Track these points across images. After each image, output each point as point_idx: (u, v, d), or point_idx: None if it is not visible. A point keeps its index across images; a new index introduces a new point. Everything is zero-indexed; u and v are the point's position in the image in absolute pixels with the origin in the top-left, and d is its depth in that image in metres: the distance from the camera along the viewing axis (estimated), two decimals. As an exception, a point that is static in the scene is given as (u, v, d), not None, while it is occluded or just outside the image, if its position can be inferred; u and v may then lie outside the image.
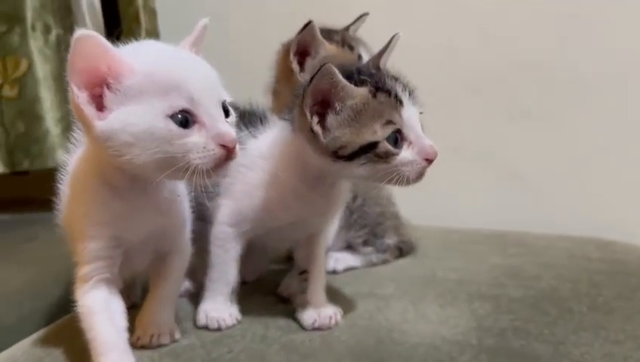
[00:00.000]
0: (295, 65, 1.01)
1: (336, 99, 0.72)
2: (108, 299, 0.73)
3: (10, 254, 1.21)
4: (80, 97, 0.63)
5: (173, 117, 0.63)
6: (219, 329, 0.82)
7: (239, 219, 0.83)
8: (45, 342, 0.83)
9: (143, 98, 0.63)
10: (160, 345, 0.78)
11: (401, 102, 0.73)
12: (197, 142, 0.64)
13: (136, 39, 1.57)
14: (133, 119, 0.63)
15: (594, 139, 1.45)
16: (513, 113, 1.51)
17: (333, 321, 0.82)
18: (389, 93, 0.73)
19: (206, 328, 0.83)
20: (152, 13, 1.59)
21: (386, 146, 0.71)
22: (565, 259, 1.09)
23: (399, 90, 0.74)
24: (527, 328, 0.80)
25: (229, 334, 0.81)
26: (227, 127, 0.66)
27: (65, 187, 0.79)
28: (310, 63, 1.00)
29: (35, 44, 1.49)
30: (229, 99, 0.69)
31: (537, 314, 0.85)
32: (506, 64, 1.49)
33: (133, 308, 0.82)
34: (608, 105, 1.44)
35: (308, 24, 0.98)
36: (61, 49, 1.52)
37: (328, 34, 1.04)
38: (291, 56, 1.01)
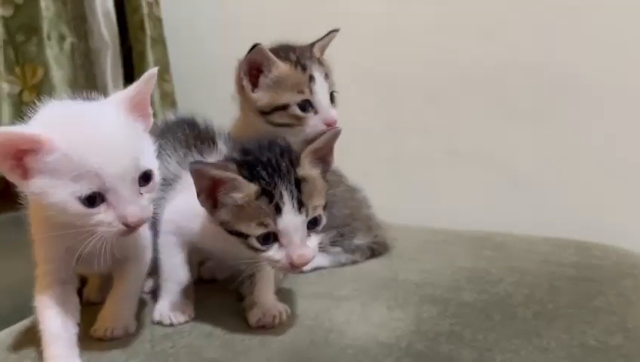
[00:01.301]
0: (246, 83, 1.04)
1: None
2: (61, 297, 0.80)
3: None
4: (4, 166, 0.70)
5: (82, 198, 0.69)
6: (171, 325, 0.88)
7: (180, 231, 0.88)
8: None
9: (59, 175, 0.69)
10: (113, 338, 0.84)
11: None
12: (103, 220, 0.71)
13: (143, 47, 1.65)
14: (49, 190, 0.69)
15: (593, 140, 1.42)
16: (511, 113, 1.49)
17: (277, 320, 0.86)
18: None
19: (161, 324, 0.89)
20: (158, 21, 1.67)
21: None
22: (534, 264, 1.08)
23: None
24: (462, 333, 0.82)
25: (180, 330, 0.87)
26: (133, 209, 0.71)
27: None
28: (263, 81, 1.04)
29: (51, 52, 1.59)
30: (150, 166, 0.74)
31: (480, 320, 0.86)
32: (504, 64, 1.47)
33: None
34: (608, 105, 1.39)
35: (254, 47, 1.01)
36: (75, 56, 1.62)
37: (286, 52, 1.05)
38: (242, 74, 1.04)
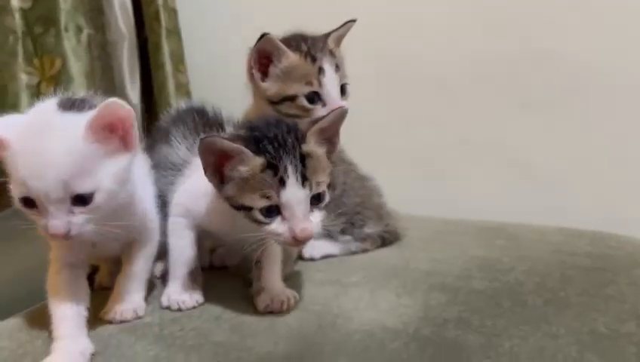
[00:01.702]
0: (255, 72, 1.04)
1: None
2: (70, 280, 0.83)
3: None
4: None
5: (20, 198, 0.74)
6: (179, 309, 0.89)
7: (189, 214, 0.90)
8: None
9: (10, 172, 0.75)
10: (123, 321, 0.86)
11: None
12: (37, 222, 0.75)
13: (158, 38, 1.67)
14: (11, 184, 0.75)
15: (607, 128, 1.39)
16: (523, 102, 1.47)
17: (285, 306, 0.86)
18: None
19: (169, 309, 0.90)
20: (173, 12, 1.68)
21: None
22: (547, 253, 1.07)
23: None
24: (470, 320, 0.81)
25: (189, 314, 0.88)
26: (53, 224, 0.73)
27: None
28: (273, 71, 1.03)
29: (68, 44, 1.61)
30: (89, 190, 0.74)
31: (489, 307, 0.85)
32: (516, 51, 1.46)
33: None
34: (623, 93, 1.37)
35: (263, 36, 1.00)
36: (92, 48, 1.64)
37: (298, 42, 1.04)
38: (251, 63, 1.04)
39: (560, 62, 1.42)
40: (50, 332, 0.79)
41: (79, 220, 0.75)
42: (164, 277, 0.98)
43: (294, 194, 0.76)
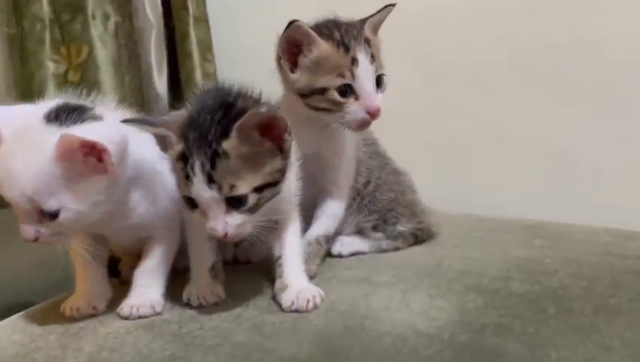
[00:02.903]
0: (284, 63, 0.95)
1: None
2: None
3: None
4: None
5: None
6: (200, 305, 0.85)
7: None
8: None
9: None
10: (141, 317, 0.82)
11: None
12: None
13: (186, 26, 1.63)
14: None
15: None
16: (565, 95, 1.39)
17: (311, 304, 0.81)
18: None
19: (189, 304, 0.86)
20: (201, 0, 1.64)
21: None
22: (594, 255, 0.99)
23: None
24: (511, 326, 0.74)
25: (209, 311, 0.83)
26: (24, 229, 0.74)
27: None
28: (302, 61, 0.94)
29: (95, 31, 1.59)
30: (55, 208, 0.73)
31: (531, 312, 0.78)
32: (559, 40, 1.37)
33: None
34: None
35: (292, 23, 0.91)
36: (119, 36, 1.61)
37: (330, 30, 0.95)
38: (280, 53, 0.95)
39: (606, 52, 1.33)
40: (65, 329, 0.76)
41: (48, 231, 0.75)
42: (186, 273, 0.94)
43: (200, 192, 0.73)
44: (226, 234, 0.75)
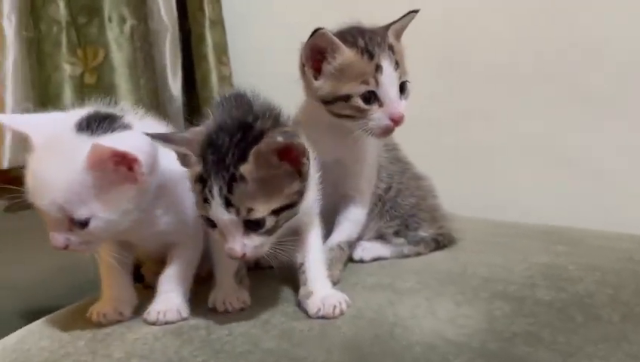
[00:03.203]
0: (308, 70, 0.95)
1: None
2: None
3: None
4: None
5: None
6: (226, 311, 0.85)
7: None
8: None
9: None
10: (167, 322, 0.82)
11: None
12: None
13: (201, 29, 1.64)
14: None
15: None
16: (588, 99, 1.38)
17: (337, 310, 0.81)
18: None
19: (215, 310, 0.86)
20: (217, 2, 1.64)
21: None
22: (617, 262, 0.99)
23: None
24: (541, 334, 0.74)
25: (236, 317, 0.83)
26: (53, 237, 0.75)
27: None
28: (326, 68, 0.94)
29: (112, 34, 1.60)
30: (81, 218, 0.74)
31: (559, 320, 0.78)
32: (581, 45, 1.37)
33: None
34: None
35: (316, 31, 0.91)
36: (134, 38, 1.62)
37: (354, 37, 0.94)
38: (303, 60, 0.95)
39: (631, 55, 1.32)
40: (92, 334, 0.76)
41: (77, 239, 0.75)
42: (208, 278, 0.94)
43: (218, 215, 0.74)
44: (244, 255, 0.76)
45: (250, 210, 0.73)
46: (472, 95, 1.52)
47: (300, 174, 0.77)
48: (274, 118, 0.79)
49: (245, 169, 0.72)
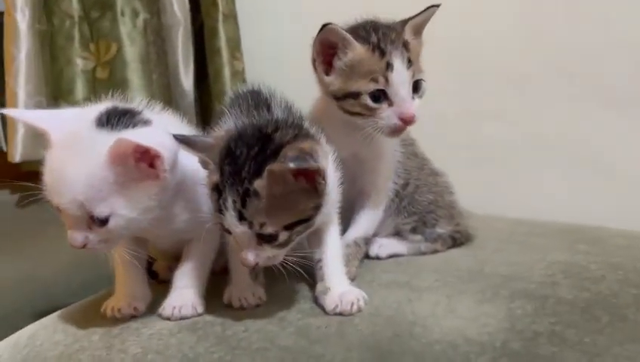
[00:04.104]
0: (318, 65, 0.93)
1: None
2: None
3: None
4: None
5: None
6: (242, 307, 0.84)
7: None
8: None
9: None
10: (182, 318, 0.81)
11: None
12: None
13: (214, 23, 1.62)
14: None
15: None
16: (603, 98, 1.36)
17: (355, 307, 0.80)
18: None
19: (230, 306, 0.84)
20: (230, -3, 1.63)
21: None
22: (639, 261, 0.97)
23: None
24: (565, 334, 0.72)
25: (252, 313, 0.82)
26: (70, 235, 0.74)
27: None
28: (337, 64, 0.91)
29: (124, 28, 1.58)
30: (102, 216, 0.72)
31: (584, 320, 0.76)
32: (597, 44, 1.34)
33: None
34: None
35: (325, 26, 0.89)
36: (147, 33, 1.60)
37: (368, 32, 0.92)
38: (315, 55, 0.93)
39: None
40: (107, 329, 0.76)
41: (96, 237, 0.74)
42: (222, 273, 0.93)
43: (232, 226, 0.73)
44: (257, 264, 0.75)
45: (262, 225, 0.72)
46: (486, 93, 1.49)
47: (317, 191, 0.75)
48: (295, 128, 0.77)
49: (259, 185, 0.70)
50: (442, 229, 1.06)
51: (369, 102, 0.90)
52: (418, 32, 0.96)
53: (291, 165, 0.68)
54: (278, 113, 0.85)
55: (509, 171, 1.50)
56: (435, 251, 1.05)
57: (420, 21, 0.95)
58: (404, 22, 0.95)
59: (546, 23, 1.41)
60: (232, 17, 1.64)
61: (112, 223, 0.73)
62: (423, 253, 1.05)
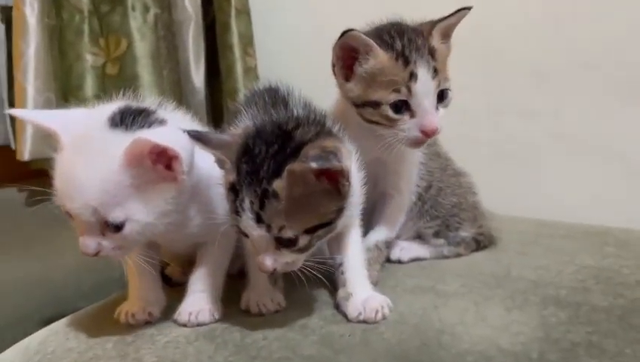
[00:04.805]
0: (338, 70, 0.89)
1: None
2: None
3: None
4: None
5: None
6: (260, 314, 0.80)
7: None
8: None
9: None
10: (199, 324, 0.78)
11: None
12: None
13: (227, 18, 1.58)
14: None
15: None
16: (627, 95, 1.31)
17: (380, 315, 0.76)
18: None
19: (248, 312, 0.81)
20: (242, -9, 1.59)
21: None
22: (674, 266, 0.93)
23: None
24: (604, 345, 0.68)
25: (271, 320, 0.79)
26: (82, 241, 0.70)
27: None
28: (358, 70, 0.87)
29: (135, 23, 1.55)
30: (116, 221, 0.69)
31: (622, 329, 0.72)
32: (622, 40, 1.29)
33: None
34: None
35: (346, 32, 0.84)
36: (158, 28, 1.57)
37: (392, 37, 0.86)
38: (334, 60, 0.89)
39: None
40: (120, 337, 0.73)
41: (110, 244, 0.70)
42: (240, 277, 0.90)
43: (249, 229, 0.69)
44: (274, 270, 0.71)
45: (281, 228, 0.68)
46: (509, 89, 1.45)
47: (340, 192, 0.70)
48: (317, 125, 0.73)
49: (279, 185, 0.66)
50: (466, 232, 1.02)
51: (390, 112, 0.85)
52: (447, 35, 0.90)
53: (313, 165, 0.64)
54: (298, 111, 0.81)
55: (531, 168, 1.46)
56: (459, 255, 1.02)
57: (449, 24, 0.89)
58: (433, 24, 0.89)
59: (568, 17, 1.37)
60: (244, 13, 1.60)
61: (127, 229, 0.69)
62: (446, 257, 1.01)
